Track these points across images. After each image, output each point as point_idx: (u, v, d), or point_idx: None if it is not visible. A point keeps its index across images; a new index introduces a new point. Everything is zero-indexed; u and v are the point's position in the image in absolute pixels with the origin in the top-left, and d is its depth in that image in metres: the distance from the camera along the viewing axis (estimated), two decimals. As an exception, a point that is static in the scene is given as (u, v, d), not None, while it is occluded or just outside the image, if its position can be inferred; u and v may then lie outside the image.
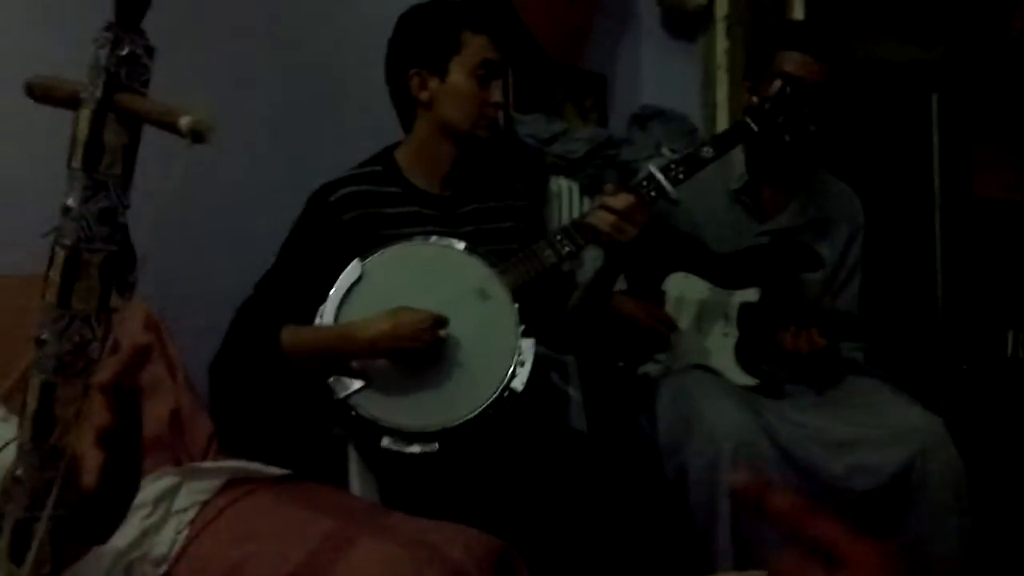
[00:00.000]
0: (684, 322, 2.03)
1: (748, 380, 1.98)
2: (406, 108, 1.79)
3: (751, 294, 2.01)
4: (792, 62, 1.94)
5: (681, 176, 1.71)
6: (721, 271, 2.04)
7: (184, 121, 0.83)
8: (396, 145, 1.84)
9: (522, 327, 1.63)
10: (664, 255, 1.99)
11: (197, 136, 0.83)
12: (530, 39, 2.70)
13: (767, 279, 2.02)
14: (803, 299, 2.04)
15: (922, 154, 3.14)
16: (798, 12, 3.04)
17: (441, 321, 1.59)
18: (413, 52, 1.75)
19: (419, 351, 1.58)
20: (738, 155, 2.06)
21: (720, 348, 2.01)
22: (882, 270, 2.29)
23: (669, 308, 2.04)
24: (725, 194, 2.05)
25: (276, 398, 1.69)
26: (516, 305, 1.65)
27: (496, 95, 1.73)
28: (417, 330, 1.57)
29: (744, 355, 2.00)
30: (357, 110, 2.23)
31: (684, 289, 2.04)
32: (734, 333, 2.01)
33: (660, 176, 1.70)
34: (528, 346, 1.62)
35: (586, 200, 2.64)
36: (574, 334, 1.89)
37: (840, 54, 1.96)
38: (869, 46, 3.07)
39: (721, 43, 3.02)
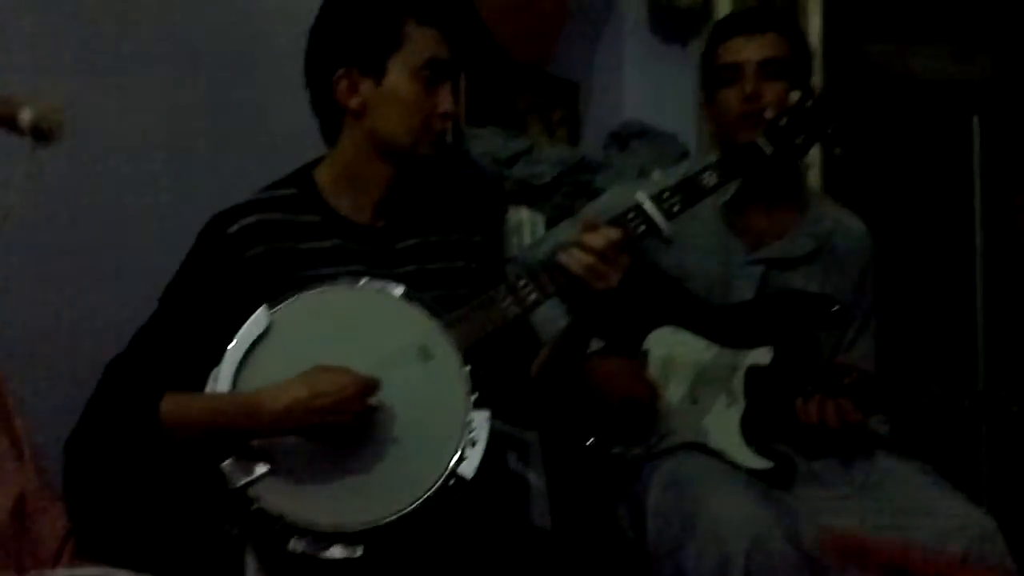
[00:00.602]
0: (674, 390, 2.05)
1: (759, 463, 1.99)
2: (330, 116, 1.78)
3: (761, 355, 2.03)
4: (736, 49, 2.05)
5: (676, 208, 1.71)
6: (722, 326, 2.05)
7: (25, 115, 0.76)
8: (316, 162, 1.83)
9: (474, 396, 1.63)
10: (646, 303, 2.01)
11: (41, 134, 0.75)
12: (487, 34, 2.72)
13: (781, 336, 2.03)
14: (820, 359, 2.07)
15: (961, 184, 3.20)
16: (814, 17, 3.08)
17: (371, 387, 1.58)
18: (341, 46, 1.75)
19: (341, 426, 1.57)
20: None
21: (722, 423, 2.02)
22: (910, 318, 2.33)
23: (654, 372, 2.06)
24: (710, 210, 2.08)
25: (152, 486, 1.68)
26: (467, 368, 1.64)
27: (445, 103, 1.74)
28: (340, 398, 1.55)
29: (753, 431, 2.01)
30: (274, 116, 2.26)
31: (673, 348, 2.06)
32: (740, 403, 2.02)
33: (650, 207, 1.71)
34: (481, 420, 1.62)
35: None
36: (538, 405, 1.90)
37: (791, 25, 2.02)
38: (901, 60, 3.13)
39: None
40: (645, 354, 2.06)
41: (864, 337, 2.17)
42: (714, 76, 2.11)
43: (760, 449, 1.99)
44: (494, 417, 1.64)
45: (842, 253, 2.15)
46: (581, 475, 2.05)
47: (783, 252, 2.12)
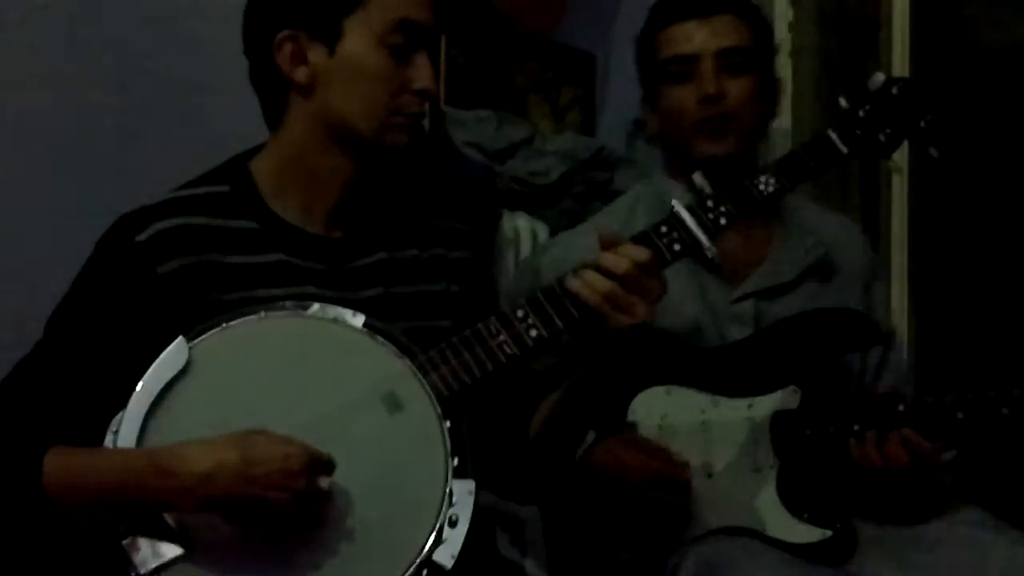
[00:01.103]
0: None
1: (810, 534, 1.99)
2: (272, 91, 1.78)
3: (784, 399, 2.05)
4: (685, 37, 2.11)
5: (724, 221, 1.72)
6: (726, 372, 2.08)
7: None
8: (255, 151, 1.82)
9: (455, 461, 1.60)
10: (621, 362, 1.96)
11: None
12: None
13: (807, 370, 2.06)
14: (855, 392, 2.14)
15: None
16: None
17: (322, 463, 1.54)
18: (285, 3, 1.74)
19: (279, 509, 1.53)
20: (663, 177, 2.24)
21: (752, 493, 2.03)
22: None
23: None
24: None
25: (28, 567, 1.64)
26: (446, 423, 1.61)
27: (421, 78, 1.73)
28: (281, 469, 1.52)
29: (796, 496, 2.01)
30: (199, 91, 2.31)
31: (669, 413, 2.07)
32: (771, 464, 2.03)
33: (689, 219, 1.70)
34: (464, 493, 1.59)
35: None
36: (538, 475, 1.91)
37: (747, 3, 2.15)
38: (1003, 28, 3.19)
39: (781, 8, 3.09)
40: (632, 428, 2.07)
41: (893, 357, 2.22)
42: (658, 71, 2.15)
43: (811, 517, 2.00)
44: (481, 489, 1.61)
45: (840, 265, 2.20)
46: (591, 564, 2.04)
47: (772, 279, 2.15)
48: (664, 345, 2.09)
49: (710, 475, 2.03)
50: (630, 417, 2.07)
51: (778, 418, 2.03)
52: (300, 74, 1.71)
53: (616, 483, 1.98)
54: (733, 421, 2.04)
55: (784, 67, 3.03)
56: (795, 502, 2.00)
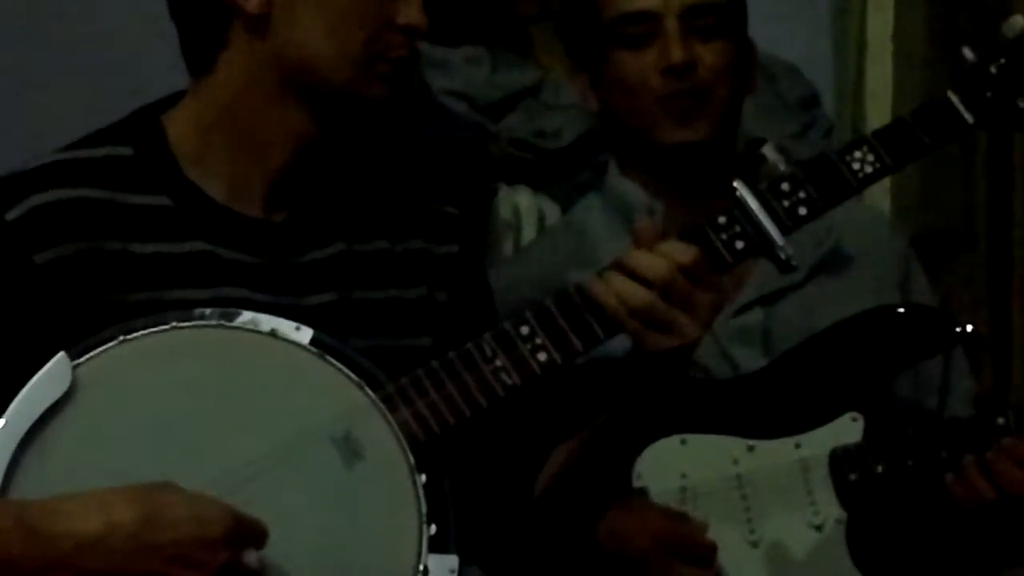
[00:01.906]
0: (711, 532, 2.06)
1: None
2: (203, 24, 1.78)
3: (844, 429, 2.09)
4: None
5: (804, 211, 1.74)
6: (757, 406, 2.13)
7: None
8: (168, 104, 1.83)
9: (432, 529, 1.60)
10: (620, 413, 1.97)
11: None
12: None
13: (865, 390, 2.12)
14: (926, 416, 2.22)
15: None
16: None
17: (251, 532, 1.53)
18: None
19: None
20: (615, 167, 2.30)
21: (816, 557, 2.08)
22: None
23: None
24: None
25: None
26: (422, 478, 1.62)
27: (409, 11, 1.75)
28: (195, 543, 1.50)
29: (873, 553, 2.06)
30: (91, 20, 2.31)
31: (689, 469, 2.11)
32: (837, 515, 2.08)
33: (757, 207, 1.72)
34: (443, 571, 1.59)
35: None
36: (543, 551, 1.96)
37: None
38: None
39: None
40: (642, 495, 2.10)
41: (958, 366, 2.28)
42: (605, 33, 2.18)
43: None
44: (466, 565, 1.62)
45: (857, 257, 2.29)
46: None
47: (778, 280, 2.16)
48: (685, 384, 2.10)
49: (755, 544, 2.07)
50: (637, 482, 2.10)
51: (838, 456, 2.07)
52: (251, 3, 1.71)
53: (625, 564, 2.02)
54: (778, 468, 2.09)
55: (884, 3, 3.12)
56: (874, 562, 2.05)
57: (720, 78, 2.15)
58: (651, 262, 1.67)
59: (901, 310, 2.21)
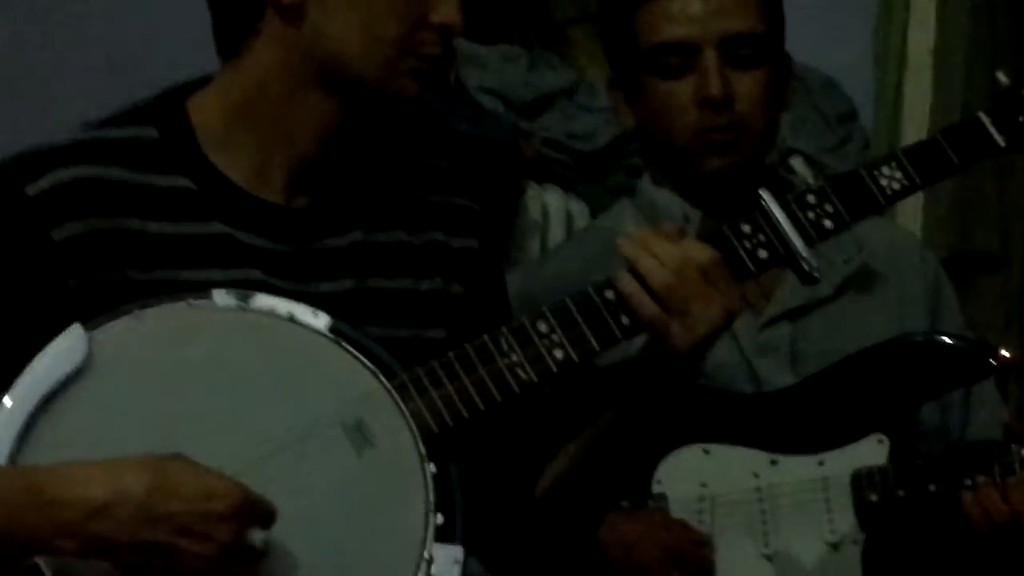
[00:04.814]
0: (731, 547, 2.13)
1: None
2: (237, 9, 1.78)
3: (869, 450, 2.13)
4: (680, 17, 2.17)
5: (829, 224, 1.75)
6: (783, 422, 2.16)
7: None
8: (195, 86, 1.83)
9: (439, 519, 1.61)
10: (642, 418, 1.99)
11: None
12: None
13: (893, 413, 2.15)
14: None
15: None
16: None
17: (259, 512, 1.54)
18: None
19: (197, 563, 1.53)
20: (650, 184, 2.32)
21: (826, 574, 2.12)
22: None
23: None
24: None
25: None
26: (431, 467, 1.63)
27: (446, 8, 1.75)
28: (201, 517, 1.51)
29: (885, 573, 2.10)
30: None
31: (710, 478, 2.15)
32: (855, 535, 2.10)
33: (782, 217, 1.73)
34: (448, 562, 1.60)
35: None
36: (549, 547, 1.97)
37: None
38: None
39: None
40: (660, 501, 2.13)
41: (986, 392, 2.31)
42: (643, 60, 2.21)
43: None
44: (471, 556, 1.64)
45: (886, 276, 2.31)
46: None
47: (806, 295, 2.21)
48: (694, 392, 2.09)
49: (769, 557, 2.10)
50: (656, 488, 2.13)
51: (861, 477, 2.09)
52: None
53: (624, 568, 2.05)
54: (799, 484, 2.11)
55: (925, 19, 3.11)
56: None
57: (758, 107, 2.17)
58: (670, 249, 1.70)
59: (940, 339, 2.22)
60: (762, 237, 1.74)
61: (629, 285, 1.70)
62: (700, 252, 1.70)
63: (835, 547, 2.09)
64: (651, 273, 1.69)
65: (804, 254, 1.73)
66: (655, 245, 1.72)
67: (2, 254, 1.70)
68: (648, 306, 1.69)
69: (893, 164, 1.78)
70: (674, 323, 1.70)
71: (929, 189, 3.17)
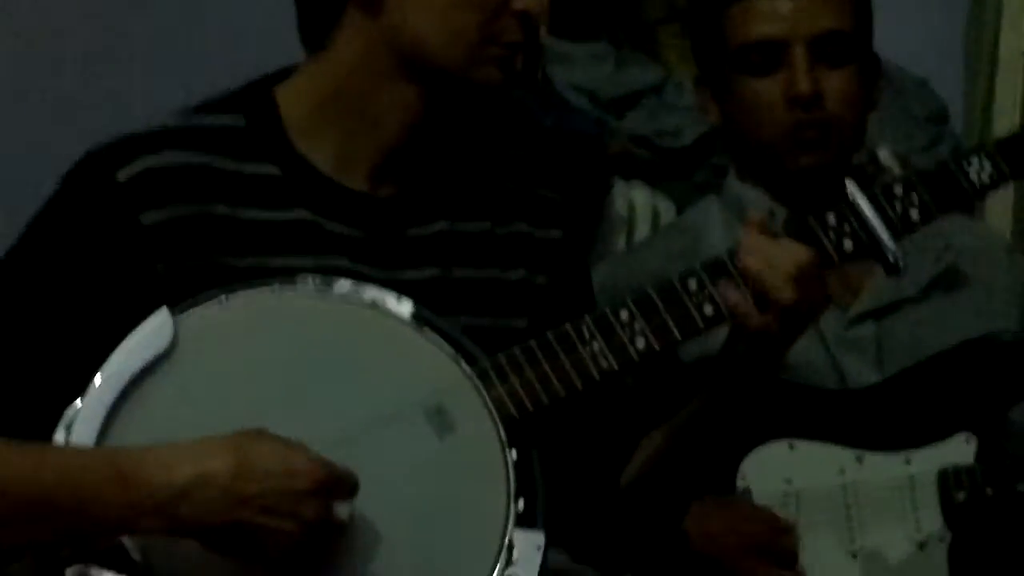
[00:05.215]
0: (816, 543, 2.15)
1: None
2: (321, 3, 1.80)
3: (956, 449, 2.14)
4: (769, 17, 2.19)
5: (916, 215, 1.75)
6: (870, 419, 2.17)
7: None
8: (282, 75, 1.85)
9: (520, 505, 1.62)
10: (729, 412, 2.02)
11: None
12: None
13: (981, 412, 2.17)
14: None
15: None
16: None
17: (344, 485, 1.57)
18: None
19: (281, 541, 1.55)
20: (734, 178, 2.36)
21: (912, 573, 2.13)
22: None
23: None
24: None
25: None
26: (512, 454, 1.64)
27: None
28: (287, 495, 1.54)
29: (972, 573, 2.12)
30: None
31: (795, 474, 2.17)
32: (941, 534, 2.12)
33: (868, 207, 1.74)
34: (530, 548, 1.61)
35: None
36: (630, 538, 1.99)
37: None
38: None
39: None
40: (745, 496, 2.16)
41: None
42: (731, 58, 2.25)
43: None
44: (551, 545, 1.64)
45: (974, 277, 2.33)
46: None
47: (892, 293, 2.24)
48: (779, 387, 2.11)
49: (855, 554, 2.12)
50: (741, 482, 2.16)
51: (948, 475, 2.12)
52: None
53: (710, 558, 2.07)
54: (885, 482, 2.14)
55: (1017, 20, 3.12)
56: None
57: (847, 105, 2.20)
58: (765, 246, 1.72)
59: (1001, 342, 2.24)
60: (847, 227, 1.74)
61: (732, 299, 1.71)
62: (796, 249, 1.72)
63: (921, 546, 2.11)
64: (749, 268, 1.71)
65: (890, 244, 1.73)
66: (756, 240, 1.73)
67: (93, 238, 1.70)
68: (739, 310, 1.72)
69: (982, 156, 1.78)
70: (760, 316, 1.72)
71: (1020, 190, 3.18)
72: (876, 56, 2.30)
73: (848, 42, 2.21)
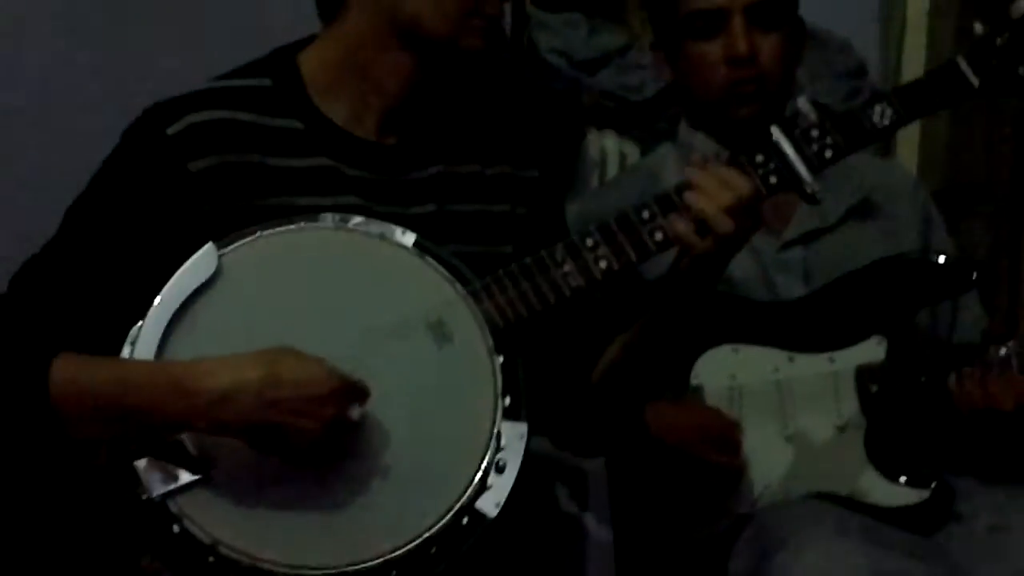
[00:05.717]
0: (756, 429, 2.29)
1: (910, 496, 2.23)
2: None
3: (868, 351, 2.29)
4: None
5: (829, 153, 1.84)
6: (802, 325, 2.30)
7: None
8: (304, 44, 1.94)
9: (507, 400, 1.72)
10: (683, 319, 2.09)
11: None
12: None
13: (896, 319, 2.30)
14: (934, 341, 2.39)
15: None
16: None
17: (356, 392, 1.67)
18: None
19: (303, 437, 1.66)
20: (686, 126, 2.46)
21: (838, 453, 2.27)
22: None
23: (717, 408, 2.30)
24: None
25: (29, 488, 1.80)
26: (499, 358, 1.74)
27: None
28: (307, 399, 1.64)
29: (887, 455, 2.25)
30: None
31: (739, 373, 2.31)
32: (859, 420, 2.27)
33: (790, 148, 1.84)
34: (514, 436, 1.70)
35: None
36: (600, 425, 2.05)
37: None
38: None
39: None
40: (698, 391, 2.29)
41: (970, 301, 2.48)
42: (680, 25, 2.34)
43: (910, 478, 2.23)
44: (534, 434, 1.72)
45: (883, 206, 2.48)
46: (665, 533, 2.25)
47: (817, 222, 2.40)
48: (725, 300, 2.26)
49: (788, 438, 2.27)
50: (694, 380, 2.30)
51: (863, 372, 2.27)
52: None
53: (668, 447, 2.20)
54: (812, 378, 2.28)
55: None
56: (887, 462, 2.24)
57: (777, 62, 2.31)
58: (708, 180, 1.79)
59: (931, 257, 2.39)
60: (772, 165, 1.81)
61: (679, 229, 1.79)
62: (740, 183, 1.79)
63: (842, 429, 2.26)
64: (690, 200, 1.78)
65: (808, 179, 1.80)
66: (699, 177, 1.79)
67: (149, 184, 1.79)
68: (686, 238, 1.79)
69: (884, 102, 1.85)
70: (701, 241, 1.78)
71: (925, 130, 3.22)
72: (802, 20, 2.40)
73: (779, 9, 2.32)
